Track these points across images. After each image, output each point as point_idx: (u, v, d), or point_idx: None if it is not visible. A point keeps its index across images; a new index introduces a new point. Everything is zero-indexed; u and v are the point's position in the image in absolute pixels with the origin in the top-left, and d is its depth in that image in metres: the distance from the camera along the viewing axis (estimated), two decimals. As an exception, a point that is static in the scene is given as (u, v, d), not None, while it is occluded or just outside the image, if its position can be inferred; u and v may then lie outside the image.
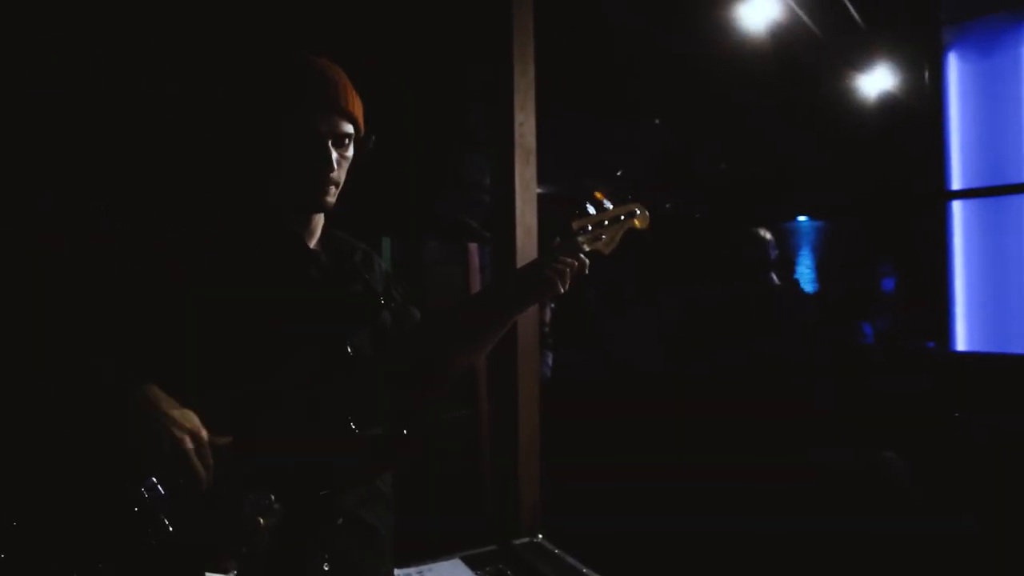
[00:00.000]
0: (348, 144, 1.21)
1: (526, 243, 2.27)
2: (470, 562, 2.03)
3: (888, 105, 4.36)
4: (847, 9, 3.43)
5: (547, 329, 3.69)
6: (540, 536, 2.20)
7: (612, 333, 4.95)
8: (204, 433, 1.05)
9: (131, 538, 1.02)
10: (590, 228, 1.26)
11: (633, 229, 1.31)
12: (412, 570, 1.96)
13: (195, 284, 1.12)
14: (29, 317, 1.11)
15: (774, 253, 2.76)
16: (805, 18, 3.24)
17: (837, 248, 7.43)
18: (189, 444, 1.03)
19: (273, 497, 1.06)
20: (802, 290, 3.23)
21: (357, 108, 1.22)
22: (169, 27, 2.18)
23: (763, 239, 2.73)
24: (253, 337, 1.10)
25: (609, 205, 1.28)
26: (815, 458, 2.58)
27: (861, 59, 4.09)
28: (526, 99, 2.27)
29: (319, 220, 1.27)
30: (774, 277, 2.76)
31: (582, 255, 1.23)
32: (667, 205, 5.91)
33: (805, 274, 7.33)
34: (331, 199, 1.21)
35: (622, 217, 1.29)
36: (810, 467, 2.55)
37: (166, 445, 1.01)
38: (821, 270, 7.59)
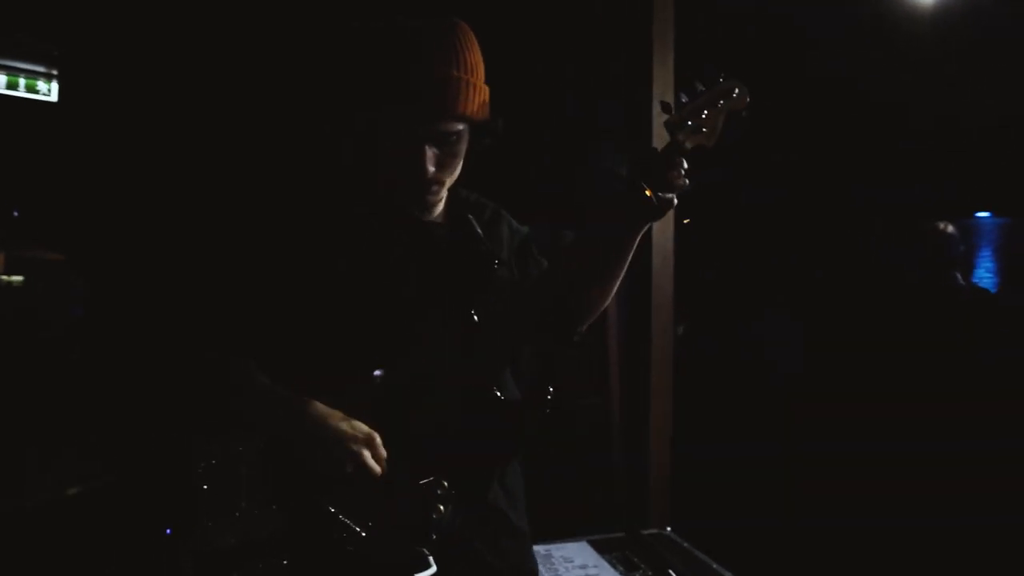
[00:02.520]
0: (457, 140, 1.09)
1: (661, 231, 2.26)
2: (597, 546, 2.05)
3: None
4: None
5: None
6: (669, 528, 2.18)
7: (755, 336, 4.68)
8: (377, 438, 1.02)
9: (328, 547, 1.02)
10: (689, 122, 1.07)
11: (734, 112, 1.12)
12: (540, 548, 2.02)
13: (311, 271, 1.08)
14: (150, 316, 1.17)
15: (959, 249, 2.51)
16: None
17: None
18: (369, 457, 1.00)
19: (446, 482, 1.04)
20: (990, 293, 2.89)
21: (471, 103, 1.06)
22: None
23: (947, 234, 2.50)
24: (376, 320, 1.07)
25: (701, 88, 1.11)
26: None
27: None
28: (665, 90, 2.24)
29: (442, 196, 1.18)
30: (958, 277, 2.51)
31: (686, 159, 1.07)
32: (743, 199, 5.44)
33: (985, 278, 6.52)
34: (435, 197, 1.13)
35: (720, 102, 1.11)
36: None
37: (349, 465, 1.00)
38: (1006, 273, 6.71)
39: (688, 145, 1.09)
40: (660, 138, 2.29)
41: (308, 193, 1.22)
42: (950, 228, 2.53)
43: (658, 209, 1.08)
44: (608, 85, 2.50)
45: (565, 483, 2.59)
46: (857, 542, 2.38)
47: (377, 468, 1.02)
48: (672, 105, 1.10)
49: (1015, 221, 7.03)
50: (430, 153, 1.06)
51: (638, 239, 1.15)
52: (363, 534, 1.03)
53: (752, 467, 3.11)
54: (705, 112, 1.10)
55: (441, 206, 1.20)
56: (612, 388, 2.64)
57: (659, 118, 2.26)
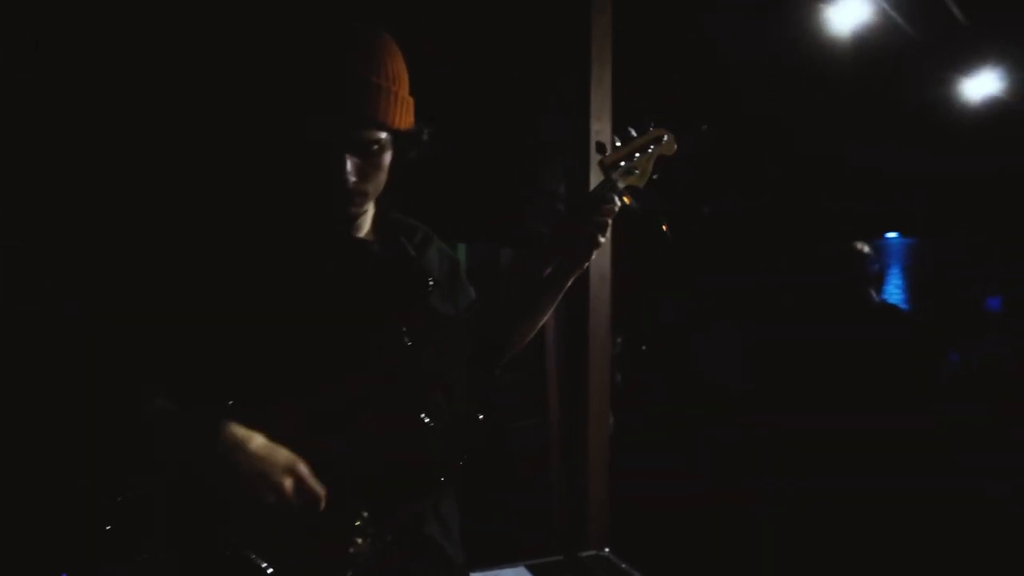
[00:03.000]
0: (379, 151, 1.04)
1: (599, 253, 2.26)
2: (536, 571, 2.00)
3: (995, 111, 4.04)
4: (947, 6, 3.18)
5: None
6: (607, 549, 2.15)
7: (699, 352, 4.78)
8: (302, 467, 0.96)
9: None
10: (622, 164, 1.15)
11: (662, 156, 1.20)
12: (477, 575, 1.95)
13: (235, 288, 1.02)
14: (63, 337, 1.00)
15: (873, 268, 2.63)
16: (898, 18, 3.02)
17: (931, 266, 6.98)
18: (291, 488, 0.94)
19: (366, 513, 0.98)
20: (900, 309, 3.04)
21: (392, 112, 1.02)
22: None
23: (860, 253, 2.60)
24: (304, 339, 1.01)
25: (634, 133, 1.18)
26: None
27: (964, 61, 3.82)
28: (602, 109, 2.25)
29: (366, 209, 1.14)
30: (872, 294, 2.62)
31: (617, 197, 1.14)
32: (705, 210, 5.66)
33: (894, 294, 6.93)
34: (358, 209, 1.08)
35: (650, 147, 1.18)
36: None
37: (271, 496, 0.94)
38: (912, 290, 7.15)
39: (621, 185, 1.16)
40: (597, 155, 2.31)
41: (238, 207, 1.15)
42: (866, 248, 2.65)
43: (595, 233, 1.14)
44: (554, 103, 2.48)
45: (503, 506, 2.54)
46: (804, 562, 2.42)
47: (305, 498, 0.95)
48: (607, 146, 1.17)
49: (920, 241, 7.51)
50: (350, 163, 1.02)
51: (581, 269, 1.20)
52: (272, 572, 0.94)
53: (692, 484, 3.15)
54: (637, 155, 1.17)
55: (368, 223, 1.16)
56: (551, 409, 2.61)
57: (596, 136, 2.31)
